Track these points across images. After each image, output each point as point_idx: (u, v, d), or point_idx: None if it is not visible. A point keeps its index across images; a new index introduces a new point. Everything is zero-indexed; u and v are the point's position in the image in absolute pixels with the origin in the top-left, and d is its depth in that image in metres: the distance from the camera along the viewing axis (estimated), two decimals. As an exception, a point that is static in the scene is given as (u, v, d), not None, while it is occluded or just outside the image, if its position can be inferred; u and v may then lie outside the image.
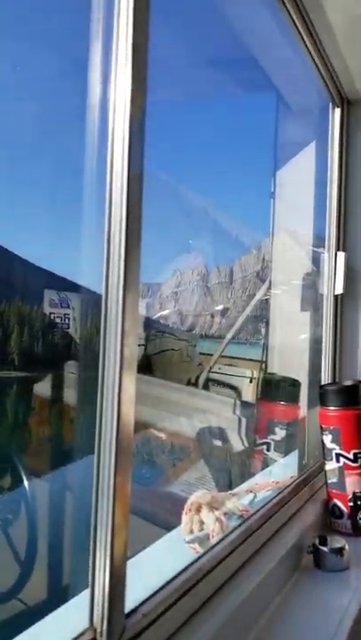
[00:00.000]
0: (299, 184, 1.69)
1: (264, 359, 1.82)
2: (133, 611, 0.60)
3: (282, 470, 1.45)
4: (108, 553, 0.55)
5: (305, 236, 1.70)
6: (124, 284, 0.58)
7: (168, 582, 0.71)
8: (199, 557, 0.82)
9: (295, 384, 1.47)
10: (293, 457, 1.45)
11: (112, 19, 0.60)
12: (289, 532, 1.12)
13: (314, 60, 1.39)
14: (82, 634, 0.55)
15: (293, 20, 1.22)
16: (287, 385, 1.45)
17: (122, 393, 0.57)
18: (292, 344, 1.71)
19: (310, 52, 1.36)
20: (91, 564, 0.57)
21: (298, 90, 1.66)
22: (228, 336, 3.87)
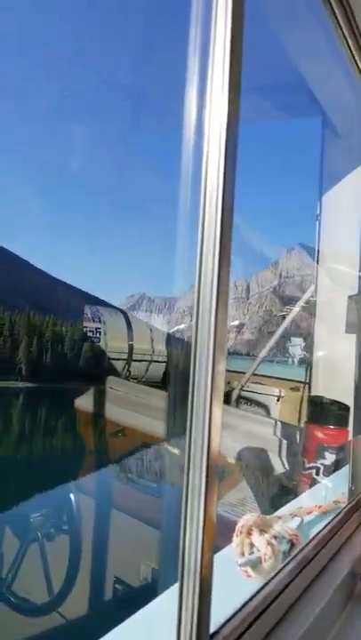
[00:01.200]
0: (346, 207, 1.70)
1: (307, 380, 1.81)
2: (216, 633, 0.61)
3: (326, 494, 1.44)
4: (198, 576, 0.57)
5: (352, 258, 1.70)
6: (215, 318, 0.60)
7: (239, 609, 0.72)
8: (264, 586, 0.83)
9: (344, 408, 1.46)
10: (337, 481, 1.44)
11: (208, 48, 0.63)
12: (343, 560, 1.11)
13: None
14: (169, 656, 0.56)
15: (348, 44, 1.24)
16: (336, 409, 1.44)
17: (212, 421, 0.59)
18: (336, 366, 1.70)
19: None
20: (179, 586, 0.58)
21: (345, 114, 1.69)
22: (262, 354, 3.87)
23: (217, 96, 0.62)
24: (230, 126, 0.61)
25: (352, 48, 1.21)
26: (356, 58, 1.25)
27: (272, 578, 0.86)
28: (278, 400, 6.29)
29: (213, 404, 0.60)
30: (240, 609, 0.70)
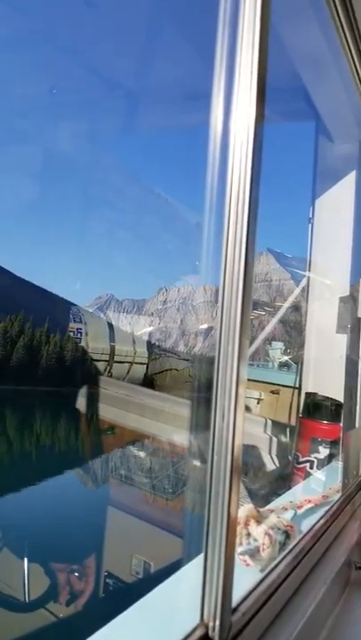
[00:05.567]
0: (338, 211, 1.75)
1: (297, 383, 1.85)
2: (235, 609, 0.64)
3: (320, 487, 1.48)
4: (223, 556, 0.59)
5: (343, 260, 1.75)
6: (240, 330, 0.63)
7: (252, 590, 0.74)
8: (270, 572, 0.86)
9: (337, 404, 1.50)
10: (329, 476, 1.48)
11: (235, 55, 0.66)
12: (338, 550, 1.14)
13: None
14: (194, 629, 0.58)
15: (350, 52, 1.28)
16: (329, 405, 1.49)
17: (236, 425, 0.63)
18: (328, 365, 1.75)
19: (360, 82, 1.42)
20: (203, 565, 0.60)
21: (340, 120, 1.73)
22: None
23: (244, 97, 0.65)
24: (257, 127, 0.64)
25: (354, 55, 1.25)
26: (357, 64, 1.30)
27: (275, 567, 0.89)
28: (258, 402, 6.38)
29: (237, 409, 0.64)
30: (251, 591, 0.73)
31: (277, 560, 0.89)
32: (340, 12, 1.09)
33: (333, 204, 1.77)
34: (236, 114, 0.65)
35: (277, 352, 8.37)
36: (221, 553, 0.59)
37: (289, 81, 1.62)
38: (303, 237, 1.86)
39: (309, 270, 1.84)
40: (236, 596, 0.71)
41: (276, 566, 0.87)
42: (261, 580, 0.78)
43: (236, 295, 0.65)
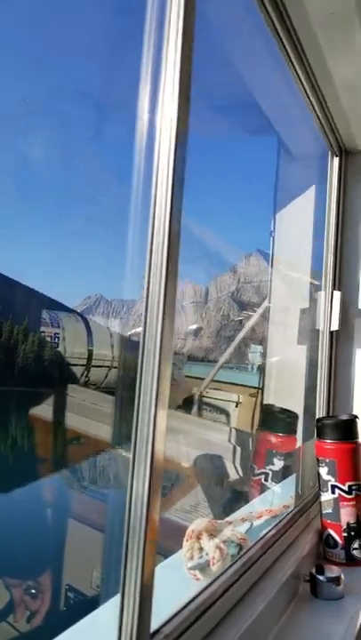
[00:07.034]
0: (298, 225, 1.79)
1: (261, 387, 1.87)
2: (156, 632, 0.65)
3: (276, 499, 1.50)
4: (139, 577, 0.60)
5: (302, 273, 1.79)
6: (162, 325, 0.64)
7: (182, 608, 0.75)
8: (209, 585, 0.87)
9: (293, 416, 1.53)
10: (287, 487, 1.50)
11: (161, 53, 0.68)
12: (287, 562, 1.16)
13: (315, 110, 1.48)
14: (112, 654, 0.59)
15: (296, 71, 1.30)
16: (286, 417, 1.51)
17: (156, 427, 0.62)
18: (287, 376, 1.78)
19: (312, 103, 1.44)
20: (121, 587, 0.61)
21: (298, 137, 1.77)
22: (222, 360, 3.94)
23: (167, 103, 0.66)
24: (179, 134, 0.65)
25: (304, 82, 1.28)
26: (305, 84, 1.33)
27: (217, 577, 0.90)
28: (237, 406, 6.41)
29: (158, 409, 0.62)
30: (182, 608, 0.74)
31: (218, 574, 0.91)
32: (282, 37, 1.11)
33: (295, 219, 1.81)
34: (160, 120, 0.67)
35: (257, 355, 8.41)
36: (138, 580, 0.60)
37: (246, 98, 1.66)
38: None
39: (271, 282, 1.87)
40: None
41: (214, 580, 0.88)
42: (193, 598, 0.79)
43: (158, 290, 0.64)
